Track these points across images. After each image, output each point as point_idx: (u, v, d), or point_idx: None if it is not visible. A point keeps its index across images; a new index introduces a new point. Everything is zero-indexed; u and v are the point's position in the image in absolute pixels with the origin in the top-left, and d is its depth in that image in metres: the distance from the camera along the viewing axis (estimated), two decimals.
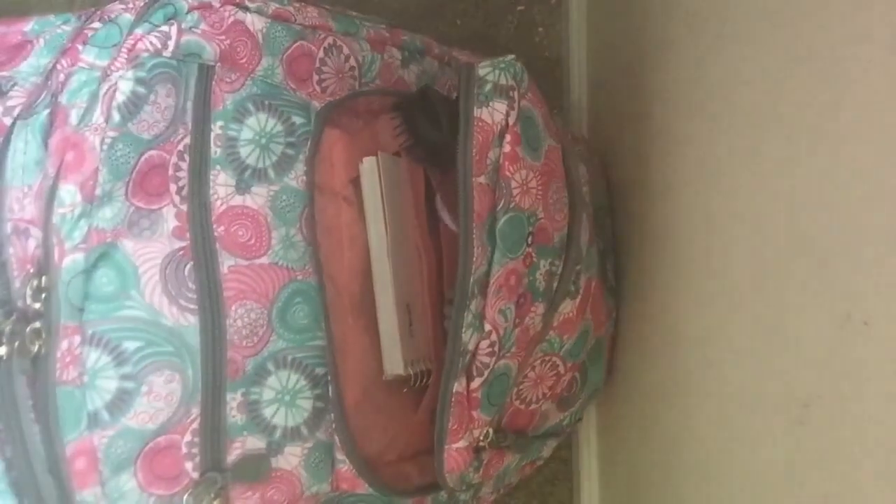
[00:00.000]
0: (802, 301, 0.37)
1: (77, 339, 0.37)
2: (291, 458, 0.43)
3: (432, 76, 0.53)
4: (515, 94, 0.41)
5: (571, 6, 0.78)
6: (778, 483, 0.40)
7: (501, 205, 0.40)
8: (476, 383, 0.41)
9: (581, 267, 0.45)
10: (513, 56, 0.42)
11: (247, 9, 0.42)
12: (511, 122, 0.40)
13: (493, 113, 0.40)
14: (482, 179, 0.40)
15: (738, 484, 0.46)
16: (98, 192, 0.37)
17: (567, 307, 0.46)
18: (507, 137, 0.40)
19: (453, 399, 0.40)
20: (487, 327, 0.40)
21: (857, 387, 0.33)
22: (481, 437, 0.44)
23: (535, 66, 0.78)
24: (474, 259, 0.39)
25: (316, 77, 0.45)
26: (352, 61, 0.47)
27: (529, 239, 0.41)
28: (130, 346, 0.38)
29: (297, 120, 0.43)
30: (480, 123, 0.40)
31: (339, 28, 0.47)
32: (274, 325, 0.42)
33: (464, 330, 0.40)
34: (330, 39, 0.46)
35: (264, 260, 0.42)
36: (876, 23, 0.32)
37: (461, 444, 0.41)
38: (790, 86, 0.38)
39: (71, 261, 0.37)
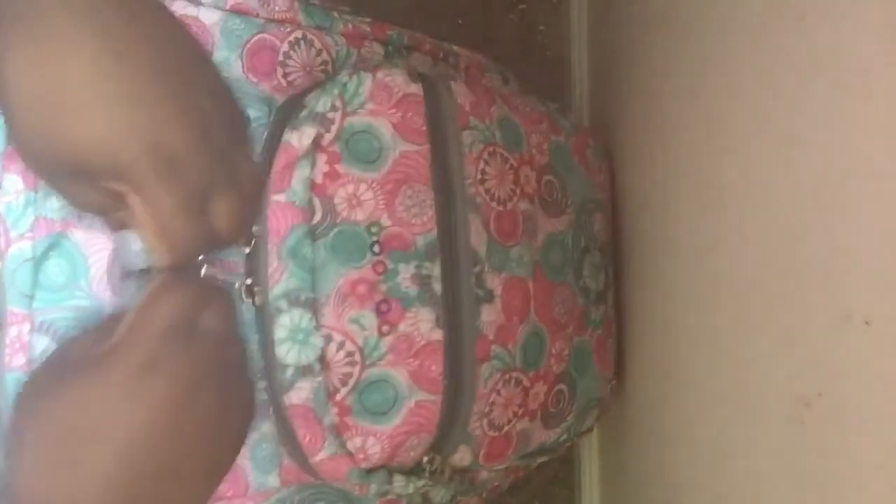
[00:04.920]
0: (804, 300, 0.37)
1: (27, 326, 0.38)
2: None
3: None
4: (337, 115, 0.41)
5: (573, 5, 0.78)
6: (778, 481, 0.39)
7: (327, 221, 0.40)
8: (342, 393, 0.40)
9: (484, 268, 0.44)
10: (348, 71, 0.42)
11: (200, 3, 0.42)
12: (325, 143, 0.41)
13: (300, 136, 0.40)
14: (281, 197, 0.40)
15: (738, 482, 0.45)
16: (42, 182, 0.38)
17: (490, 315, 0.45)
18: (324, 157, 0.41)
19: (289, 412, 0.40)
20: (339, 337, 0.40)
21: (858, 386, 0.33)
22: (427, 462, 0.44)
23: (536, 64, 0.77)
24: (270, 274, 0.39)
25: (280, 70, 0.45)
26: (324, 55, 0.47)
27: (376, 248, 0.41)
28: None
29: (254, 114, 0.43)
30: (285, 146, 0.40)
31: (310, 22, 0.47)
32: None
33: (277, 345, 0.39)
34: (298, 33, 0.46)
35: None
36: (878, 21, 0.31)
37: (323, 454, 0.40)
38: (792, 84, 0.37)
39: (17, 249, 0.38)
